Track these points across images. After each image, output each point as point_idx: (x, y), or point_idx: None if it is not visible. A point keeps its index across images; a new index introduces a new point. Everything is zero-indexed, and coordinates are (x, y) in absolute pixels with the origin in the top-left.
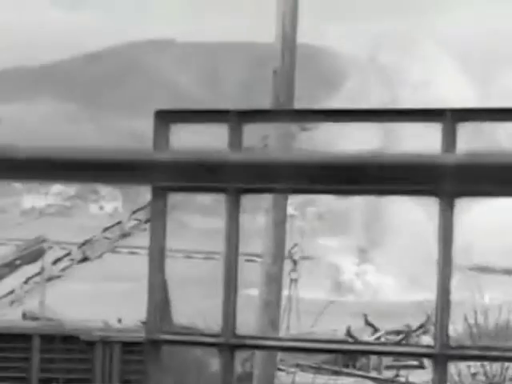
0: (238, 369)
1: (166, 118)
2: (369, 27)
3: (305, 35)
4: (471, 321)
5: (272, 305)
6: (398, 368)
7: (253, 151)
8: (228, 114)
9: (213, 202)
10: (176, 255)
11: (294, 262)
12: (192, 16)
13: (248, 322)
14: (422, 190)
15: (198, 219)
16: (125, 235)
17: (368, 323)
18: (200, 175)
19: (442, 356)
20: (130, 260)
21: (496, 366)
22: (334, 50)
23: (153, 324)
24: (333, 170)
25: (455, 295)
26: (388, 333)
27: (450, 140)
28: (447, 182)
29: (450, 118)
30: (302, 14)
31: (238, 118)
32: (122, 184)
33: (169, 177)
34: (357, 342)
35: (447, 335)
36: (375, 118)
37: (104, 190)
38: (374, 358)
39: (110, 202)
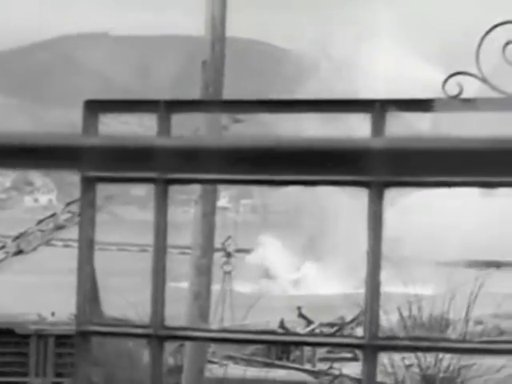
0: (170, 361)
1: (95, 107)
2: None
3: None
4: (405, 313)
5: (202, 297)
6: (332, 360)
7: (181, 137)
8: (157, 104)
9: (148, 194)
10: (110, 248)
11: (228, 255)
12: (125, 10)
13: (179, 315)
14: (353, 181)
15: (132, 211)
16: (59, 228)
17: (302, 316)
18: (128, 160)
19: (372, 347)
20: (64, 253)
21: (430, 358)
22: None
23: (82, 315)
24: (262, 155)
25: (388, 287)
26: (322, 325)
27: (378, 128)
28: (376, 167)
29: (379, 107)
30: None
31: (166, 108)
32: (51, 169)
33: (98, 162)
34: (287, 333)
35: (377, 326)
36: (306, 109)
37: (39, 181)
38: (307, 351)
39: (44, 195)
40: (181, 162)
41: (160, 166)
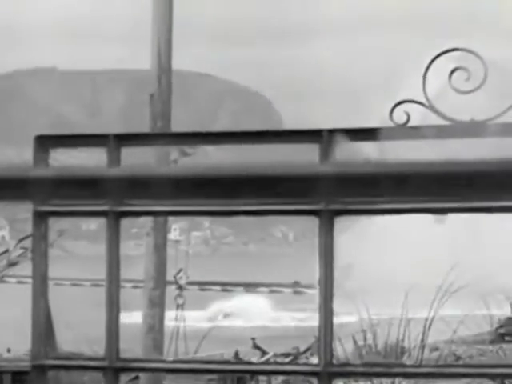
0: None
1: (46, 142)
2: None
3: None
4: (360, 342)
5: (155, 329)
6: None
7: (131, 167)
8: (106, 138)
9: (99, 228)
10: (63, 283)
11: (180, 288)
12: (73, 44)
13: (134, 349)
14: (302, 210)
15: (84, 246)
16: (12, 264)
17: (256, 347)
18: (79, 190)
19: (327, 374)
20: (18, 289)
21: None
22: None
23: (37, 350)
24: (210, 182)
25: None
26: (276, 355)
27: (326, 156)
28: (324, 193)
29: (327, 137)
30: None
31: (115, 142)
32: (2, 201)
33: (48, 193)
34: (241, 362)
35: (331, 353)
36: (254, 140)
37: None
38: (262, 381)
39: None
40: (131, 191)
41: (110, 195)
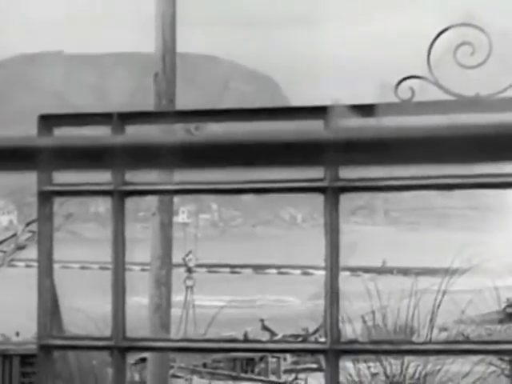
0: (136, 378)
1: (50, 121)
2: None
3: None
4: (369, 322)
5: (162, 308)
6: (297, 371)
7: (137, 135)
8: (110, 117)
9: (108, 210)
10: (72, 266)
11: (189, 270)
12: (79, 28)
13: (142, 328)
14: (308, 187)
15: (93, 228)
16: (20, 248)
17: (265, 328)
18: (84, 159)
19: (334, 351)
20: (26, 273)
21: (396, 366)
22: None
23: (43, 330)
24: (218, 150)
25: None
26: (285, 337)
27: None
28: (329, 159)
29: (331, 112)
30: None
31: (119, 120)
32: (8, 171)
33: (53, 162)
34: (249, 340)
35: (338, 331)
36: (259, 117)
37: None
38: (272, 363)
39: (5, 215)
40: (137, 160)
41: (115, 164)
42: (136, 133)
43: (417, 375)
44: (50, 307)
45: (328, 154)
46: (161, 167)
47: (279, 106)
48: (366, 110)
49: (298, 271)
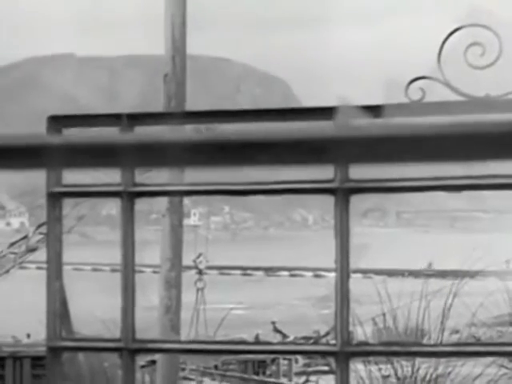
0: (146, 379)
1: (59, 122)
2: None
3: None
4: (380, 324)
5: (172, 310)
6: (309, 374)
7: (145, 133)
8: (119, 117)
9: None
10: (84, 268)
11: (200, 272)
12: (90, 31)
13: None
14: (318, 189)
15: (104, 231)
16: (31, 250)
17: (277, 330)
18: (93, 157)
19: (344, 353)
20: (37, 275)
21: (407, 368)
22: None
23: (52, 332)
24: (226, 148)
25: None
26: (297, 339)
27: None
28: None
29: (339, 113)
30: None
31: (129, 121)
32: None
33: (62, 161)
34: (259, 342)
35: (348, 333)
36: (269, 118)
37: (10, 205)
38: (283, 365)
39: (16, 218)
40: (145, 158)
41: (124, 162)
42: (145, 131)
43: (428, 377)
44: (58, 309)
45: (334, 152)
46: (170, 165)
47: (289, 107)
48: (375, 110)
49: (310, 273)
